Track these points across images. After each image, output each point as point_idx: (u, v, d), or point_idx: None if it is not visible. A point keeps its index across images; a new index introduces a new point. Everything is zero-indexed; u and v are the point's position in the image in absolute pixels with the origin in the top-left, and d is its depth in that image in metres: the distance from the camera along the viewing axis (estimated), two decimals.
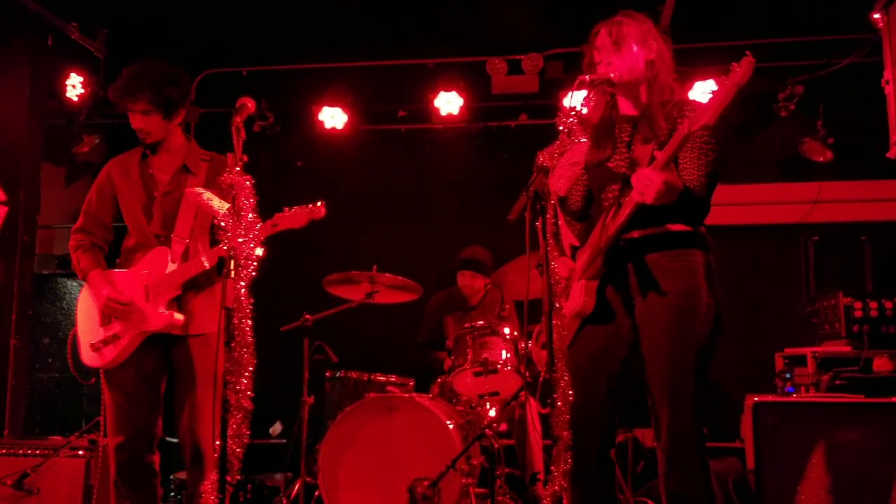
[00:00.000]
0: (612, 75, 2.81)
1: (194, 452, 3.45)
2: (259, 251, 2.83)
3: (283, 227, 3.40)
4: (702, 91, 5.82)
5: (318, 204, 3.44)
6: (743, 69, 2.40)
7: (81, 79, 6.09)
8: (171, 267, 3.52)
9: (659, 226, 2.76)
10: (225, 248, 2.82)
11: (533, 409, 4.52)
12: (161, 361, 3.57)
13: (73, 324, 6.44)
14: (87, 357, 3.59)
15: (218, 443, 2.57)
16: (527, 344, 4.58)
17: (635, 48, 2.84)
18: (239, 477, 2.62)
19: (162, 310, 3.49)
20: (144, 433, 3.49)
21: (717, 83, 2.50)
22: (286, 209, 3.44)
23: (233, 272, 2.66)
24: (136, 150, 3.73)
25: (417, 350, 5.72)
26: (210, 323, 3.55)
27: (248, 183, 2.73)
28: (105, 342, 3.53)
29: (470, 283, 5.54)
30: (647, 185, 2.51)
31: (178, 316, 3.49)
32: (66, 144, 6.59)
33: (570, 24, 5.92)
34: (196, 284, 3.57)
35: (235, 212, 2.69)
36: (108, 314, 3.53)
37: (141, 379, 3.51)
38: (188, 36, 6.20)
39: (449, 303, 5.67)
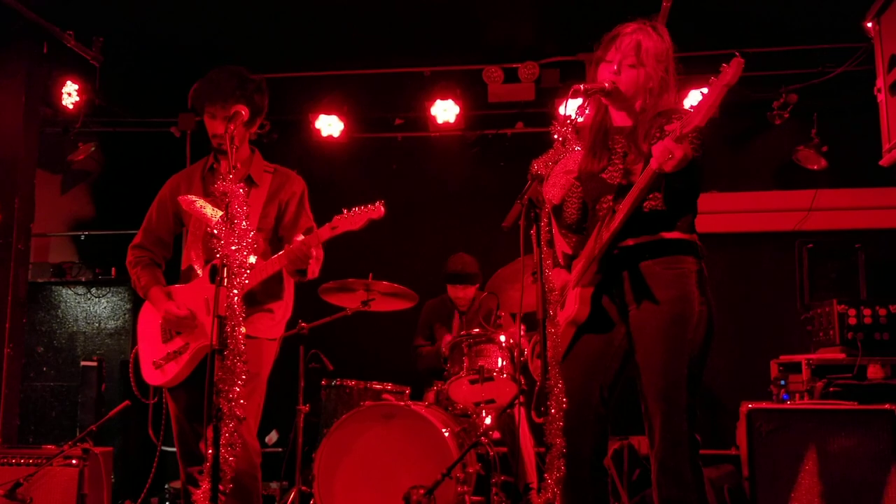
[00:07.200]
0: (606, 84, 2.80)
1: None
2: (252, 259, 2.82)
3: (343, 230, 3.27)
4: (697, 100, 5.82)
5: (377, 204, 3.27)
6: (732, 69, 2.41)
7: (77, 86, 6.09)
8: None
9: (652, 234, 2.77)
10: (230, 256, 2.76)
11: (523, 418, 4.50)
12: None
13: (68, 332, 6.40)
14: (149, 375, 3.44)
15: (210, 451, 2.55)
16: (522, 353, 4.57)
17: (649, 70, 2.82)
18: (232, 486, 2.60)
19: None
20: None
21: (707, 85, 2.50)
22: (345, 211, 3.30)
23: (225, 280, 2.65)
24: (198, 164, 3.60)
25: (413, 356, 5.72)
26: (263, 329, 3.43)
27: (241, 191, 2.73)
28: (167, 359, 3.39)
29: (462, 294, 5.56)
30: (670, 156, 2.48)
31: (241, 329, 3.39)
32: (61, 152, 6.60)
33: (567, 33, 5.98)
34: (255, 300, 3.42)
35: (228, 219, 2.68)
36: (169, 329, 3.40)
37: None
38: (184, 44, 6.20)
39: (440, 310, 5.68)
